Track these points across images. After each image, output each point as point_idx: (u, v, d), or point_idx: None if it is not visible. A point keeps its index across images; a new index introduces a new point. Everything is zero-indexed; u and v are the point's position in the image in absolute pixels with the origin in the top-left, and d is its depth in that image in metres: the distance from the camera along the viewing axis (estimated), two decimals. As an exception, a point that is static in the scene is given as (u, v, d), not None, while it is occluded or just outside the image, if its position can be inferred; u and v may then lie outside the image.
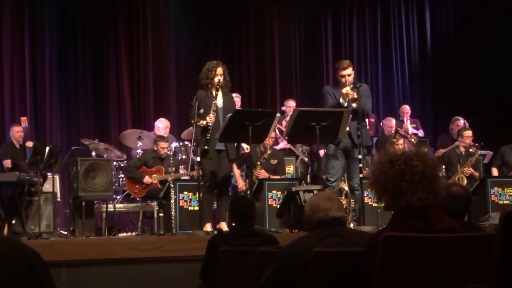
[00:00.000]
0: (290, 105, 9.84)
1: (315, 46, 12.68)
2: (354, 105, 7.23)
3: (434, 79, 13.20)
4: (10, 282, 2.01)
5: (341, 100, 7.32)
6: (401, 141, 9.03)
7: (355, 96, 7.26)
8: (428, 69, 13.25)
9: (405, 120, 10.60)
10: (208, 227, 6.99)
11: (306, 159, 9.61)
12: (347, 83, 7.36)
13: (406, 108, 10.81)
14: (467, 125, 10.11)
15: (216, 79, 6.99)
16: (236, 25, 12.43)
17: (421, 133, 10.75)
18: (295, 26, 12.74)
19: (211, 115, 6.88)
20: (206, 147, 6.85)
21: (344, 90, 7.30)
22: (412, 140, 9.61)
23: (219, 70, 7.02)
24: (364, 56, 12.99)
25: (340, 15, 12.99)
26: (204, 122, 6.88)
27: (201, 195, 7.05)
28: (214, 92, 7.00)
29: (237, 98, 9.82)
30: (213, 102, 6.94)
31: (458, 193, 3.81)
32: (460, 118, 10.38)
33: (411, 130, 10.48)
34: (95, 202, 8.54)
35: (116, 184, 9.01)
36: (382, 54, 13.09)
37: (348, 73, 7.44)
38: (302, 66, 12.54)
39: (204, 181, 7.00)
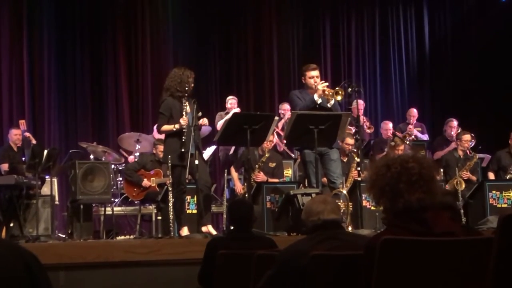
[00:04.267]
0: (285, 108, 9.84)
1: (313, 50, 12.68)
2: (338, 98, 7.23)
3: (432, 82, 13.22)
4: (8, 286, 2.01)
5: (315, 97, 7.29)
6: (402, 146, 9.03)
7: (337, 88, 7.26)
8: (426, 72, 13.27)
9: (411, 122, 10.61)
10: (185, 230, 6.99)
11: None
12: (316, 84, 7.36)
13: (413, 111, 10.82)
14: (460, 128, 10.14)
15: (190, 87, 7.01)
16: (235, 28, 12.45)
17: (426, 137, 10.76)
18: (294, 29, 12.75)
19: (184, 117, 6.88)
20: (182, 150, 6.85)
21: (320, 86, 7.30)
22: (407, 142, 9.61)
23: (192, 79, 7.04)
24: (362, 59, 13.01)
25: (338, 18, 13.00)
26: (178, 126, 6.88)
27: (173, 201, 7.02)
28: (184, 99, 7.00)
29: (233, 100, 9.85)
30: (184, 104, 6.95)
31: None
32: (454, 119, 10.40)
33: (415, 132, 10.51)
34: (93, 205, 8.53)
35: (114, 187, 9.00)
36: (380, 57, 13.11)
37: (317, 74, 7.47)
38: (300, 69, 12.53)
39: (177, 188, 6.99)
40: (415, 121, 10.72)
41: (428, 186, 2.75)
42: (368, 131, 10.22)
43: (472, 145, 9.65)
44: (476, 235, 2.91)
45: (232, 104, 9.77)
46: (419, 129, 10.75)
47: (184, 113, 6.91)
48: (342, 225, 3.51)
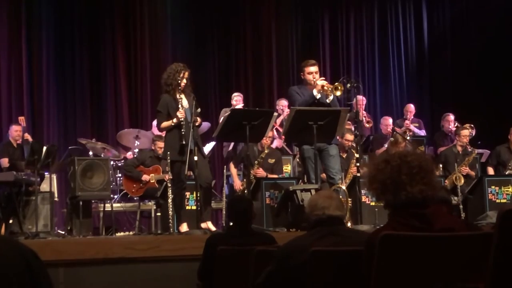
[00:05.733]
0: (282, 104, 9.83)
1: (312, 46, 12.69)
2: (338, 93, 7.23)
3: (431, 78, 13.22)
4: (8, 282, 2.01)
5: (314, 92, 7.29)
6: (403, 144, 9.03)
7: (336, 84, 7.26)
8: (425, 67, 13.27)
9: (408, 118, 10.62)
10: (184, 227, 7.00)
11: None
12: (315, 79, 7.36)
13: (411, 107, 10.84)
14: (457, 122, 10.16)
15: (182, 83, 7.00)
16: (233, 25, 12.44)
17: (423, 133, 10.76)
18: (292, 26, 12.75)
19: (180, 110, 6.89)
20: (183, 142, 6.85)
21: (319, 82, 7.30)
22: (408, 138, 9.61)
23: (186, 74, 7.03)
24: (361, 55, 13.01)
25: (337, 15, 13.00)
26: (175, 120, 6.89)
27: (173, 197, 7.05)
28: (178, 94, 7.00)
29: (238, 97, 9.86)
30: (179, 98, 6.95)
31: None
32: (450, 113, 10.42)
33: (411, 127, 10.51)
34: (93, 201, 8.54)
35: (114, 183, 9.01)
36: (379, 53, 13.10)
37: (316, 70, 7.46)
38: (299, 66, 12.53)
39: (177, 184, 7.00)
40: (412, 117, 10.73)
41: (429, 178, 2.77)
42: (367, 125, 10.23)
43: (473, 135, 9.66)
44: (476, 230, 2.91)
45: (237, 100, 9.77)
46: (416, 124, 10.76)
47: (180, 106, 6.92)
48: (343, 221, 3.51)
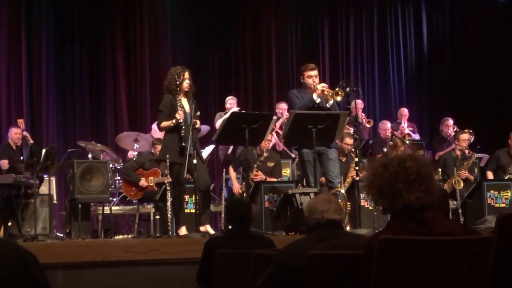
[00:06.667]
0: (282, 107, 9.82)
1: (311, 48, 12.69)
2: (338, 98, 7.24)
3: (430, 82, 13.22)
4: (7, 284, 2.01)
5: (314, 96, 7.29)
6: (402, 147, 9.03)
7: (337, 89, 7.27)
8: (425, 71, 13.27)
9: (402, 122, 10.64)
10: (183, 230, 7.00)
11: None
12: (314, 83, 7.37)
13: (404, 111, 10.84)
14: (456, 127, 10.17)
15: (184, 84, 7.00)
16: (233, 26, 12.45)
17: (417, 137, 10.77)
18: (292, 28, 12.76)
19: (179, 111, 6.89)
20: (183, 144, 6.85)
21: (319, 86, 7.31)
22: (407, 141, 9.62)
23: (186, 75, 7.03)
24: (360, 59, 13.01)
25: (336, 18, 13.01)
26: (174, 121, 6.90)
27: (172, 200, 7.07)
28: (181, 97, 7.02)
29: (232, 100, 9.86)
30: (178, 99, 6.96)
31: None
32: (449, 118, 10.42)
33: (407, 131, 10.51)
34: (91, 204, 8.53)
35: (112, 186, 9.00)
36: (378, 57, 13.11)
37: (316, 74, 7.48)
38: (299, 68, 12.53)
39: (176, 187, 7.01)
40: (406, 121, 10.74)
41: (427, 185, 2.75)
42: (368, 125, 10.23)
43: (472, 140, 9.67)
44: (474, 235, 2.90)
45: (231, 104, 9.78)
46: (410, 128, 10.76)
47: (178, 106, 6.92)
48: (342, 225, 3.51)
